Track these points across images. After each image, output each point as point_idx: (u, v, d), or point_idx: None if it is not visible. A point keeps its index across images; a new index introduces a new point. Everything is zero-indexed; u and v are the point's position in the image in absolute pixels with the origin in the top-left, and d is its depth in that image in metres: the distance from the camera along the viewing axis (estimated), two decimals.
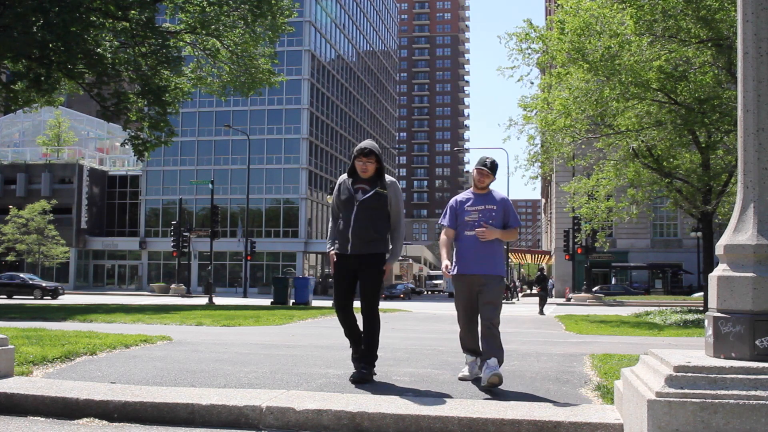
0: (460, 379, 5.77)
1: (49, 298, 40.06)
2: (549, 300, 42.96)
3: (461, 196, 5.92)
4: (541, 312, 25.89)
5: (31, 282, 42.14)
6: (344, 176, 5.82)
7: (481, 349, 5.70)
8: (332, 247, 5.82)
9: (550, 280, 56.77)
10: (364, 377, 5.61)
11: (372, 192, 5.65)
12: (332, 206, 5.93)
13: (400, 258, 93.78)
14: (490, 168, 5.77)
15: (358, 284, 5.75)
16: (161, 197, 65.75)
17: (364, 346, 5.72)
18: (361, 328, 5.82)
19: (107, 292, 57.42)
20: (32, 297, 40.21)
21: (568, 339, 11.92)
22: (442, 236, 5.92)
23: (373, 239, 5.63)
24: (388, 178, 5.76)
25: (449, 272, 5.81)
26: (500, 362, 5.51)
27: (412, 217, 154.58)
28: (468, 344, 5.94)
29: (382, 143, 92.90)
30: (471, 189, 5.96)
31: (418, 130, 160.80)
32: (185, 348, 8.37)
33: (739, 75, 4.13)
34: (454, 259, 5.81)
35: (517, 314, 24.80)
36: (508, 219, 5.84)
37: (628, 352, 8.44)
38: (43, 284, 42.08)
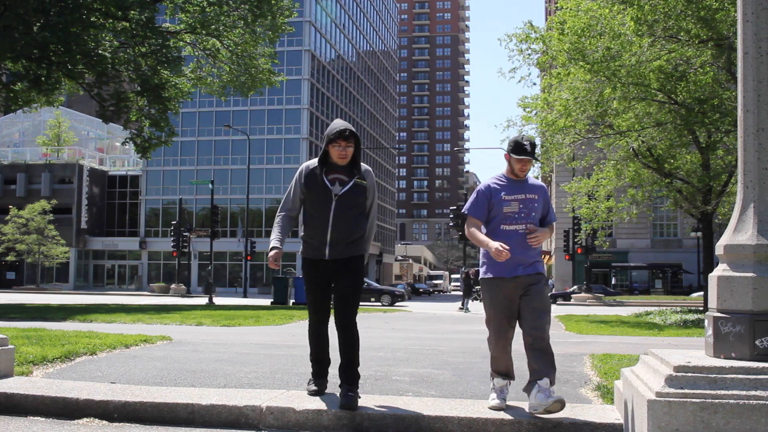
0: (492, 408, 4.72)
1: (389, 305, 33.53)
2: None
3: (493, 182, 4.89)
4: None
5: (377, 287, 36.86)
6: (311, 163, 4.87)
7: (528, 366, 4.69)
8: (278, 244, 4.81)
9: (550, 280, 56.76)
10: (353, 403, 4.62)
11: (351, 183, 4.77)
12: (290, 198, 4.89)
13: (400, 258, 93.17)
14: (532, 152, 4.75)
15: (333, 293, 4.92)
16: (161, 197, 65.73)
17: (346, 363, 4.80)
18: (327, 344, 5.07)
19: (107, 292, 57.40)
20: (379, 303, 34.15)
21: (568, 339, 11.93)
22: (470, 225, 4.88)
23: (354, 240, 4.82)
24: (362, 165, 4.91)
25: (499, 253, 4.58)
26: (552, 383, 4.58)
27: (412, 217, 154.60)
28: (501, 366, 4.93)
29: (382, 143, 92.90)
30: (504, 173, 4.94)
31: (418, 130, 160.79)
32: (185, 348, 8.37)
33: (739, 75, 4.13)
34: (486, 261, 4.82)
35: None
36: (547, 212, 4.94)
37: (628, 352, 8.44)
38: (387, 288, 36.50)
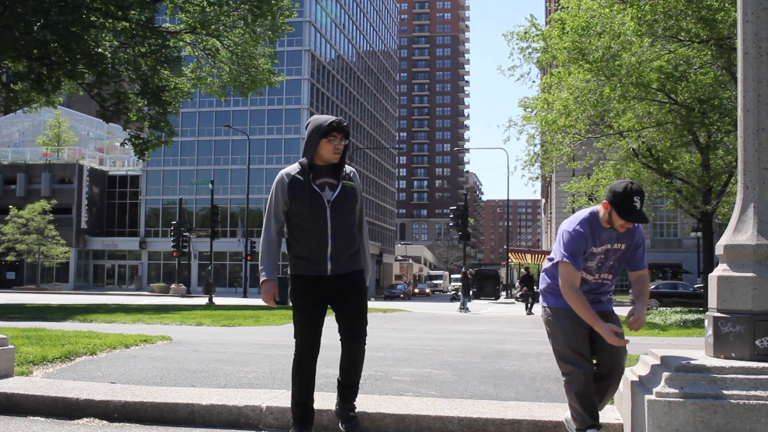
0: None
1: None
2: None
3: (589, 224, 3.99)
4: (530, 312, 25.68)
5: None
6: (291, 169, 4.24)
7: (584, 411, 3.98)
8: (272, 276, 4.25)
9: None
10: (357, 426, 4.30)
11: (340, 187, 4.19)
12: (272, 213, 4.22)
13: (400, 258, 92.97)
14: (641, 208, 3.88)
15: (336, 313, 4.32)
16: (161, 197, 65.74)
17: (350, 384, 4.33)
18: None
19: (107, 292, 57.41)
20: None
21: None
22: (571, 282, 3.93)
23: (355, 251, 4.27)
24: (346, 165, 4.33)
25: (612, 339, 3.88)
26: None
27: (411, 217, 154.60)
28: (590, 405, 3.95)
29: (382, 143, 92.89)
30: (599, 213, 4.01)
31: (418, 130, 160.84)
32: (185, 348, 8.37)
33: (739, 75, 4.14)
34: (554, 290, 4.11)
35: (518, 314, 24.82)
36: (640, 258, 4.12)
37: (628, 351, 8.44)
38: None
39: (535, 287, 28.36)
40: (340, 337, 4.30)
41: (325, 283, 4.20)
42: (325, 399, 4.88)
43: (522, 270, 30.06)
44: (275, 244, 4.24)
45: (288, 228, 4.27)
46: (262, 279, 4.24)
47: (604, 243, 4.01)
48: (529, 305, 26.48)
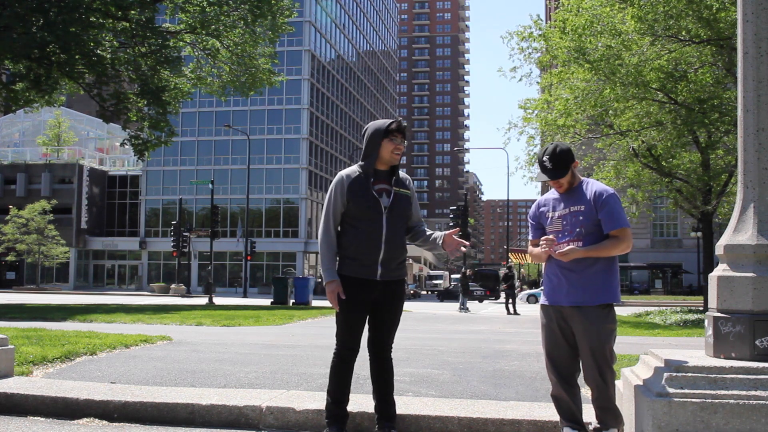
0: None
1: None
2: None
3: (545, 198, 4.25)
4: (515, 311, 25.24)
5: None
6: (350, 171, 4.31)
7: (595, 416, 4.06)
8: (331, 275, 4.20)
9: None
10: None
11: (394, 194, 4.26)
12: (331, 215, 4.26)
13: None
14: (555, 168, 4.01)
15: (372, 318, 4.36)
16: (161, 197, 65.73)
17: (384, 398, 4.35)
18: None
19: (107, 292, 57.39)
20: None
21: None
22: (530, 251, 4.31)
23: (403, 259, 4.35)
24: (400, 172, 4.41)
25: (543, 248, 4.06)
26: None
27: None
28: (564, 409, 4.09)
29: None
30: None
31: (418, 130, 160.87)
32: (185, 348, 8.37)
33: (739, 75, 4.13)
34: (544, 284, 4.24)
35: (518, 314, 24.82)
36: (608, 219, 3.93)
37: (628, 352, 8.43)
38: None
39: (515, 286, 27.88)
40: (369, 344, 4.38)
41: (374, 287, 4.24)
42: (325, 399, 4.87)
43: (505, 269, 29.75)
44: (334, 244, 4.27)
45: (341, 227, 4.31)
46: (326, 281, 4.24)
47: (564, 207, 4.10)
48: (510, 304, 26.01)
